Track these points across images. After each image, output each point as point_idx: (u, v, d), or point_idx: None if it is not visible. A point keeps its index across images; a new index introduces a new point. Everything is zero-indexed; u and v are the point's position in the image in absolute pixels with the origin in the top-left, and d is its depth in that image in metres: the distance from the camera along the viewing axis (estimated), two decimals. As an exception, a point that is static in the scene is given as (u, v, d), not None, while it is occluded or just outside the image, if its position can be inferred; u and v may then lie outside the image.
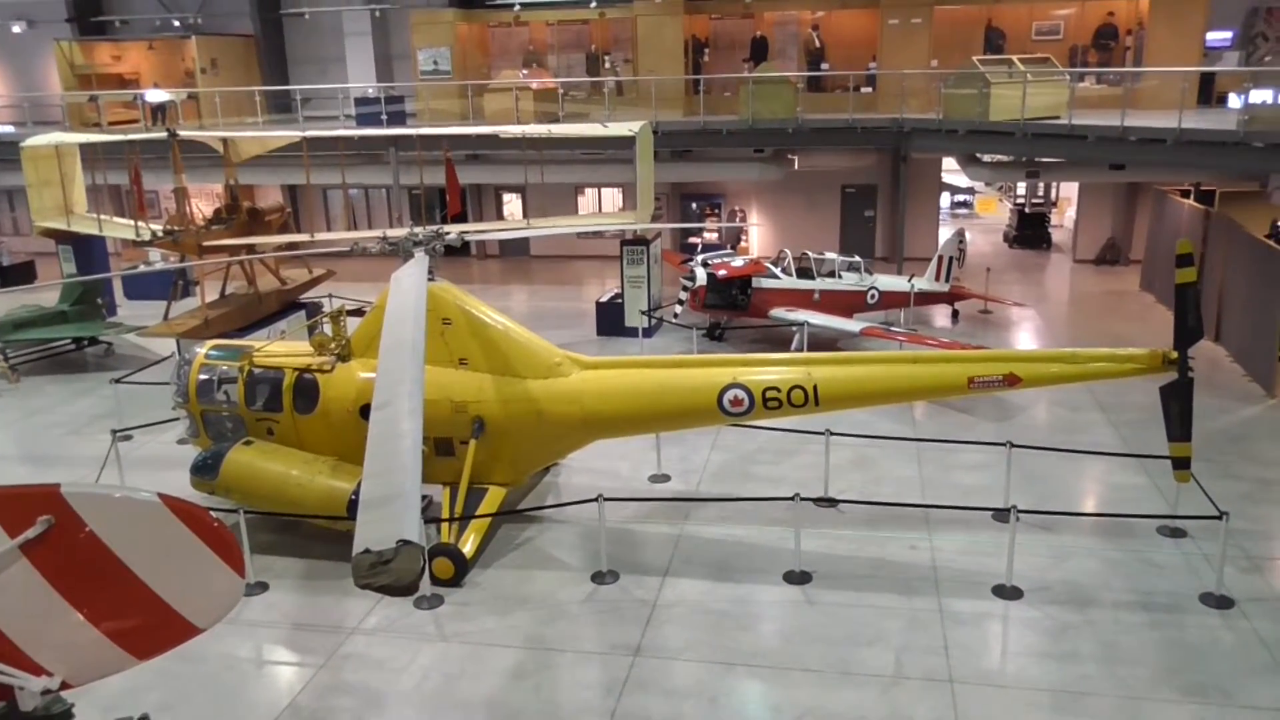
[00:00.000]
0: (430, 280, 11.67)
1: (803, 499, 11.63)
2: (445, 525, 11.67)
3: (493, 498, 12.08)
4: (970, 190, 40.79)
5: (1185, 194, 24.24)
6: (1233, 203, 23.04)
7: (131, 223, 19.73)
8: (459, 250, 13.97)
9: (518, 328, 12.45)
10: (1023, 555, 11.44)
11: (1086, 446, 14.75)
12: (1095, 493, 14.00)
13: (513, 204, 31.69)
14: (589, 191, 31.06)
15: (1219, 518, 10.88)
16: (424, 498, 12.51)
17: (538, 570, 11.81)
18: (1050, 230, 32.53)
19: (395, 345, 9.41)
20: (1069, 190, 33.78)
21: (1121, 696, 9.33)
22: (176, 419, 13.88)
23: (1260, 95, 17.52)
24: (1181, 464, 10.90)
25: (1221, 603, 10.75)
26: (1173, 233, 22.14)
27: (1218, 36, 26.16)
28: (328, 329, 12.68)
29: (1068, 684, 9.52)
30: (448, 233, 12.57)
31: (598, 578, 11.51)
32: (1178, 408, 10.68)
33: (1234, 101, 20.09)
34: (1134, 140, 19.52)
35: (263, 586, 11.56)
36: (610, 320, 22.10)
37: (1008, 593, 11.01)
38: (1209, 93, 24.11)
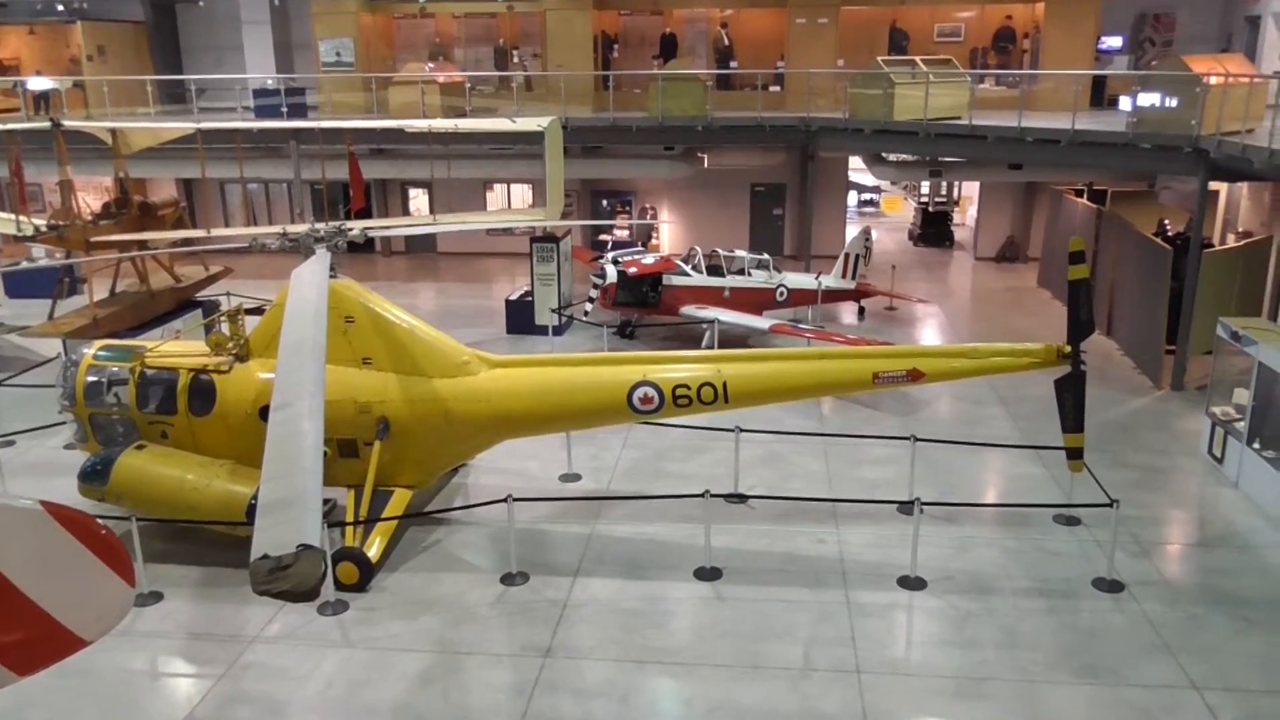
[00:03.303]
0: (332, 277, 11.47)
1: (713, 495, 11.76)
2: (350, 529, 11.48)
3: (399, 500, 11.93)
4: (876, 189, 41.73)
5: (1079, 193, 25.23)
6: (1123, 202, 24.05)
7: (12, 217, 18.87)
8: (363, 247, 13.75)
9: (424, 326, 12.32)
10: (926, 546, 11.79)
11: (987, 439, 15.27)
12: (995, 484, 14.50)
13: (419, 200, 31.25)
14: (497, 187, 30.77)
15: (1110, 505, 11.38)
16: (327, 501, 12.30)
17: (446, 573, 11.70)
18: (953, 229, 33.51)
19: (295, 344, 9.23)
20: (971, 189, 34.80)
21: (1019, 680, 9.69)
22: (62, 423, 13.35)
23: (1148, 98, 18.26)
24: (1075, 454, 11.36)
25: (1113, 587, 11.26)
26: (1068, 231, 23.03)
27: (1109, 41, 27.33)
28: (225, 328, 12.36)
29: (969, 670, 9.85)
30: (351, 229, 12.36)
31: (507, 579, 11.47)
32: (1071, 400, 11.12)
33: (1124, 104, 20.97)
34: (1031, 141, 20.25)
35: (157, 596, 11.20)
36: (520, 318, 22.00)
37: (912, 583, 11.34)
38: (1101, 95, 25.18)
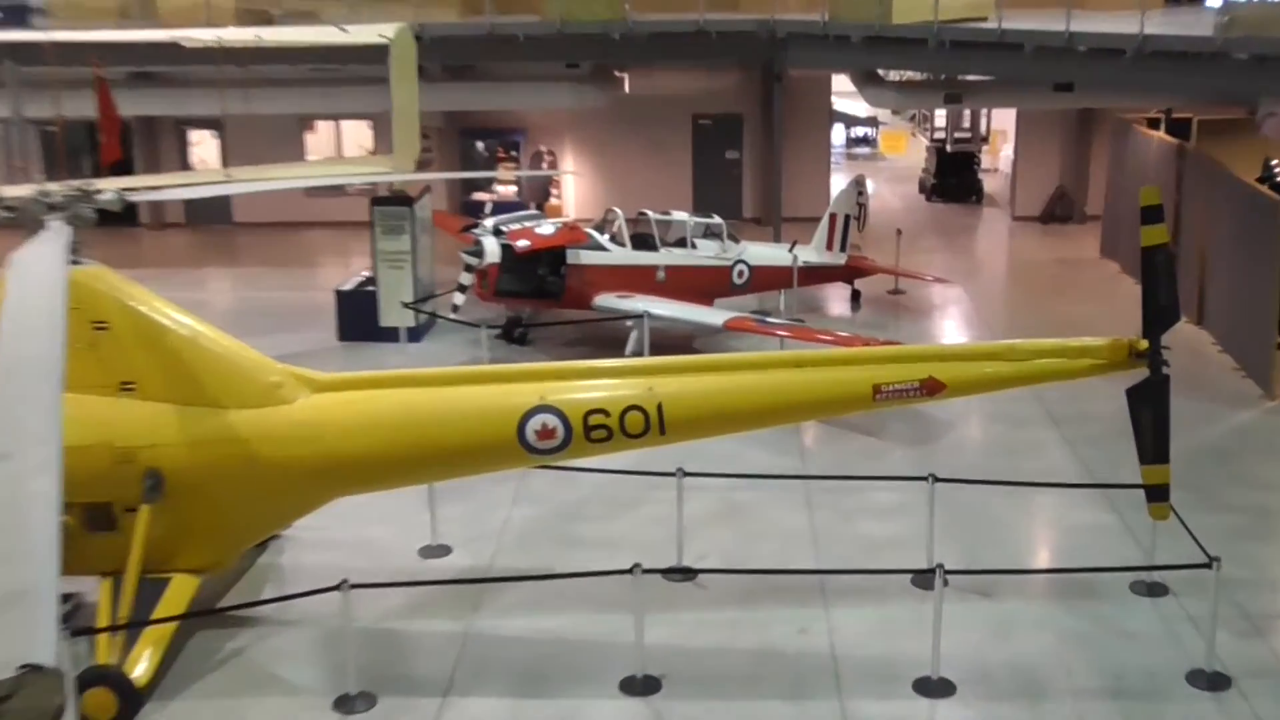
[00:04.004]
0: (74, 264, 11.21)
1: (647, 571, 11.70)
2: (104, 637, 11.18)
3: (179, 591, 11.69)
4: (872, 122, 42.40)
5: (1153, 124, 25.88)
6: (1214, 135, 24.78)
7: None
8: (120, 217, 13.45)
9: (214, 333, 12.14)
10: (953, 633, 11.87)
11: (1034, 476, 15.51)
12: (1048, 540, 14.73)
13: (204, 147, 30.85)
14: (321, 127, 30.49)
15: (1208, 566, 11.59)
16: (67, 597, 12.02)
17: (253, 697, 11.49)
18: (980, 176, 34.14)
19: (16, 364, 9.01)
20: (1004, 121, 35.56)
21: (1089, 821, 9.84)
22: None
23: (1244, -10, 18.77)
24: (1158, 494, 11.52)
25: (1215, 682, 11.46)
26: (1139, 178, 23.57)
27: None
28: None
29: (1018, 809, 9.97)
30: (101, 191, 12.10)
31: (344, 704, 11.26)
32: (1150, 417, 11.28)
33: (1211, -2, 21.57)
34: (1083, 51, 20.66)
35: None
36: (358, 318, 21.79)
37: (934, 687, 11.40)
38: (1180, -15, 25.91)
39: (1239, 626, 12.39)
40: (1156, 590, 13.04)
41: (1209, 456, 16.45)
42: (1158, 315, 11.18)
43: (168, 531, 11.58)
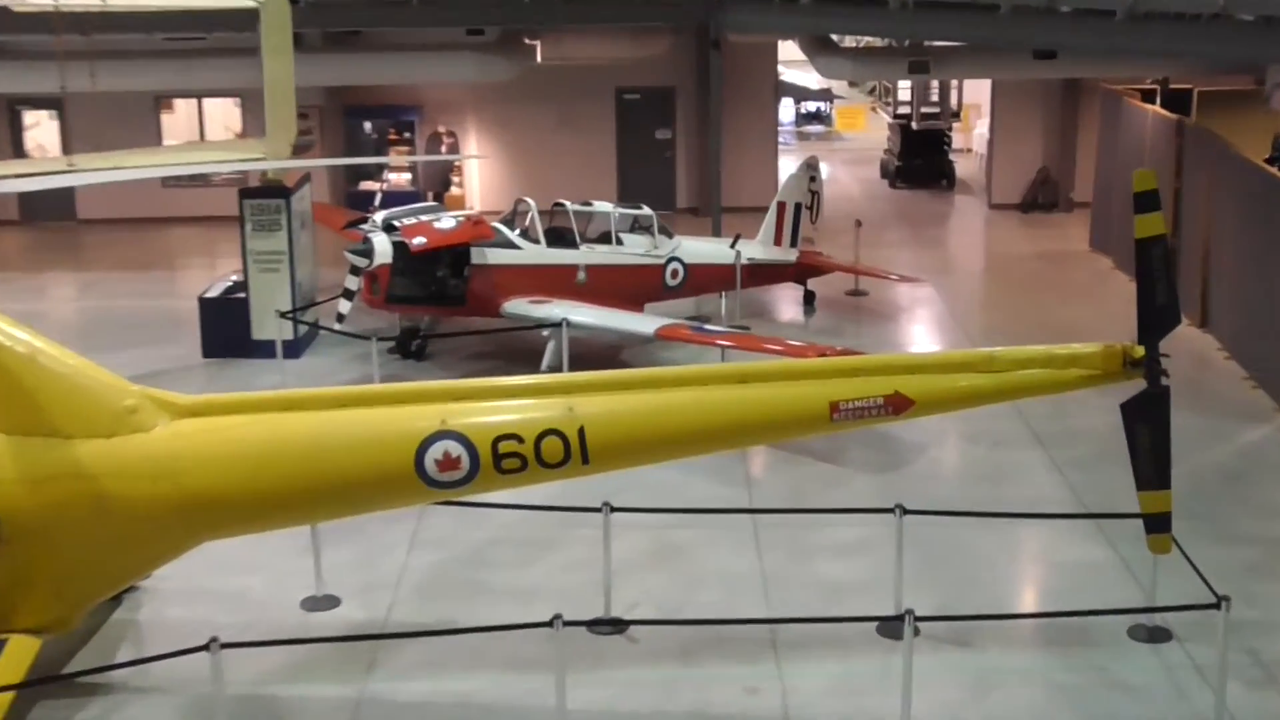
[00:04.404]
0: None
1: (569, 623, 11.71)
2: (-73, 712, 11.08)
3: (18, 654, 11.56)
4: (825, 95, 42.65)
5: (1149, 96, 26.22)
6: (1217, 108, 25.10)
7: None
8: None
9: (56, 350, 11.98)
10: (926, 689, 11.97)
11: (1017, 505, 15.68)
12: (1034, 579, 14.86)
13: (42, 130, 30.61)
14: (180, 106, 30.22)
15: (1216, 606, 11.75)
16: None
17: (107, 780, 11.38)
18: (951, 158, 34.42)
19: None
20: (977, 93, 35.89)
21: None
22: None
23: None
24: (1158, 524, 11.68)
25: (1225, 739, 11.69)
26: (1133, 157, 23.87)
27: None
28: None
29: None
30: (-85, 183, 12.00)
31: (216, 784, 11.22)
32: (1148, 435, 11.42)
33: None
34: (1068, 12, 20.89)
35: None
36: (226, 329, 21.66)
37: (905, 751, 11.54)
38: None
39: (1251, 675, 12.55)
40: (1158, 635, 13.17)
41: (1216, 480, 16.68)
42: (1155, 317, 11.31)
43: (2, 584, 11.50)
